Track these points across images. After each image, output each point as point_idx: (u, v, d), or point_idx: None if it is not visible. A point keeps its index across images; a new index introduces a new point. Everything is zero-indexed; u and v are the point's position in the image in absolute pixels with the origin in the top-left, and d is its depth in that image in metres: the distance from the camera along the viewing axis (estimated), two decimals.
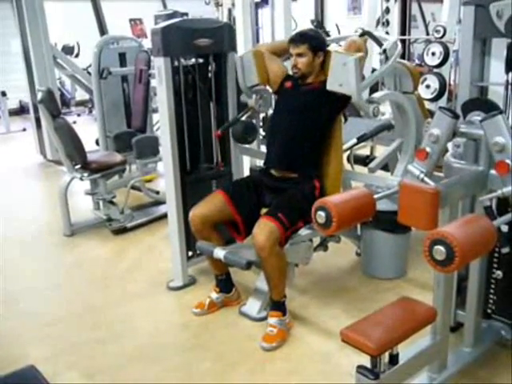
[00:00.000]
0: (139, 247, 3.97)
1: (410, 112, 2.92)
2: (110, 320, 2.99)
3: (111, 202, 4.28)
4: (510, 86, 2.50)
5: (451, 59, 5.34)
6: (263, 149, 3.55)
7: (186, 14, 6.77)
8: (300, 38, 2.79)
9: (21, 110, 9.80)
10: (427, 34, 8.19)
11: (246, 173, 3.65)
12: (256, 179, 2.99)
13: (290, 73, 2.95)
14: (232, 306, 3.02)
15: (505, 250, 2.14)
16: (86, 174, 4.13)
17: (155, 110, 4.97)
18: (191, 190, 3.21)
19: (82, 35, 8.64)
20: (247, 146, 3.43)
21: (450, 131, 2.04)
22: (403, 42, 8.23)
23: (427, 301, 2.08)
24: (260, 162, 3.82)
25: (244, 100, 3.34)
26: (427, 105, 4.39)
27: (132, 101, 5.13)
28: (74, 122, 7.52)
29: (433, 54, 4.96)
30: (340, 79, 2.58)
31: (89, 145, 4.63)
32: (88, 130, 6.08)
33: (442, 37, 5.16)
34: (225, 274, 3.00)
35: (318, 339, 2.72)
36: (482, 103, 2.33)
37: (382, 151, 3.68)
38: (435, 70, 4.94)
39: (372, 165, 3.46)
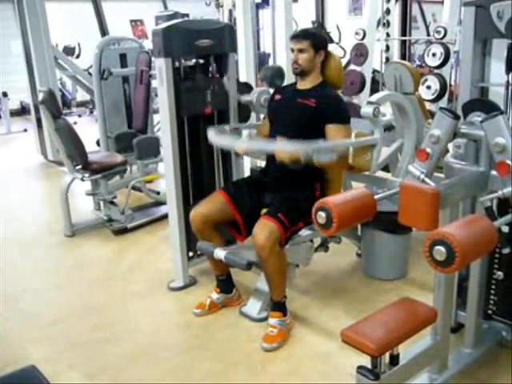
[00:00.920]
0: (140, 248, 3.97)
1: (410, 113, 2.91)
2: (110, 320, 2.99)
3: (112, 203, 4.28)
4: (510, 87, 2.50)
5: (452, 60, 5.35)
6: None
7: (187, 15, 6.78)
8: (303, 34, 2.79)
9: (22, 111, 9.81)
10: (428, 34, 8.19)
11: (247, 173, 3.65)
12: (256, 179, 3.00)
13: (290, 72, 2.95)
14: (233, 306, 3.02)
15: (505, 251, 2.14)
16: (86, 175, 4.13)
17: (156, 111, 4.98)
18: (193, 189, 3.21)
19: (82, 36, 8.66)
20: None
21: (451, 132, 2.04)
22: (404, 42, 8.23)
23: (428, 301, 2.08)
24: (260, 163, 3.82)
25: (244, 101, 3.35)
26: (428, 106, 4.39)
27: (133, 101, 5.15)
28: (75, 123, 7.53)
29: (433, 54, 4.96)
30: None
31: (90, 145, 4.63)
32: (89, 131, 6.10)
33: (442, 38, 5.15)
34: (225, 275, 3.00)
35: (318, 340, 2.72)
36: (482, 104, 2.33)
37: (382, 152, 3.68)
38: (436, 71, 4.95)
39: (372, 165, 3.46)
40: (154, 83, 4.31)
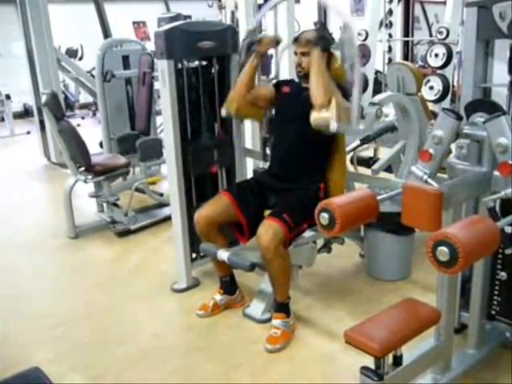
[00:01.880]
0: (143, 249, 3.97)
1: (413, 114, 2.92)
2: (114, 322, 3.00)
3: (115, 205, 4.29)
4: None
5: (454, 60, 5.33)
6: (265, 149, 3.56)
7: (189, 17, 6.79)
8: (305, 37, 2.79)
9: (25, 113, 9.82)
10: (430, 35, 8.18)
11: (250, 174, 3.66)
12: (260, 181, 3.00)
13: (292, 72, 2.95)
14: (236, 307, 3.02)
15: (509, 251, 2.14)
16: (90, 177, 4.14)
17: (159, 113, 4.98)
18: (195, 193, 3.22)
19: (85, 38, 8.66)
20: (251, 147, 3.44)
21: (454, 132, 2.04)
22: (406, 43, 8.22)
23: (431, 302, 2.08)
24: (264, 164, 3.82)
25: None
26: (430, 106, 4.39)
27: (136, 103, 5.16)
28: (78, 125, 7.53)
29: (436, 55, 4.96)
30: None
31: (93, 147, 4.64)
32: (92, 133, 6.11)
33: (445, 38, 5.14)
34: (229, 276, 3.00)
35: (321, 341, 2.72)
36: (485, 104, 2.33)
37: (385, 153, 3.69)
38: (438, 72, 4.94)
39: (375, 166, 3.47)
40: (157, 85, 4.31)
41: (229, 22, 7.99)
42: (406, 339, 1.86)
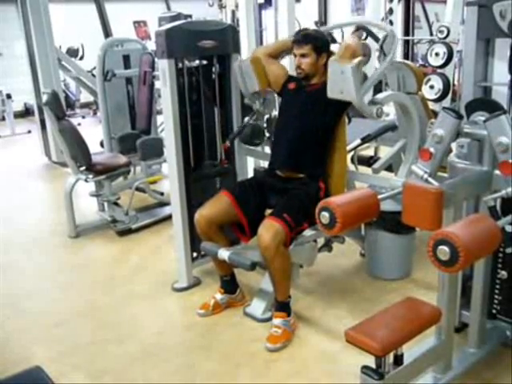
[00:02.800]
0: (144, 248, 3.98)
1: (413, 112, 2.91)
2: (114, 321, 3.00)
3: (116, 204, 4.29)
4: None
5: (455, 59, 5.32)
6: (267, 149, 3.56)
7: (190, 16, 6.79)
8: (304, 39, 2.79)
9: (26, 113, 9.84)
10: (431, 34, 8.16)
11: (251, 174, 3.66)
12: (260, 180, 3.00)
13: (292, 73, 2.96)
14: (237, 306, 3.03)
15: (509, 250, 2.15)
16: (90, 176, 4.14)
17: (159, 112, 4.98)
18: (195, 190, 3.22)
19: (86, 37, 8.66)
20: (252, 147, 3.44)
21: (454, 131, 2.04)
22: (407, 42, 8.21)
23: (432, 301, 2.08)
24: (264, 163, 3.83)
25: (248, 102, 3.36)
26: (431, 105, 4.37)
27: (136, 103, 5.16)
28: (79, 124, 7.54)
29: (436, 54, 4.94)
30: (340, 87, 2.56)
31: (93, 146, 4.65)
32: (93, 132, 6.11)
33: (445, 37, 5.13)
34: (229, 275, 3.01)
35: (322, 340, 2.73)
36: (485, 103, 2.33)
37: (385, 152, 3.68)
38: (439, 71, 4.92)
39: (376, 165, 3.47)
40: (158, 84, 4.31)
41: (229, 21, 8.00)
42: (406, 338, 1.86)
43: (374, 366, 1.84)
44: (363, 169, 3.79)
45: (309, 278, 3.27)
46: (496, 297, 2.41)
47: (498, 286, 2.39)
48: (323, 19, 10.85)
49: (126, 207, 4.27)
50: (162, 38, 2.92)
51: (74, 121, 5.79)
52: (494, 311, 2.43)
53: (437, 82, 4.70)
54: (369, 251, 3.36)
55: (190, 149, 3.19)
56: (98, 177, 4.13)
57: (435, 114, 3.38)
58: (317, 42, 2.80)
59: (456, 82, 6.03)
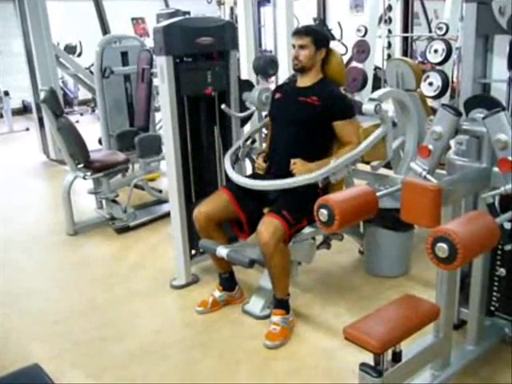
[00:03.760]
0: (142, 246, 3.97)
1: (412, 109, 2.91)
2: (113, 318, 3.00)
3: (114, 201, 4.28)
4: None
5: (454, 56, 5.33)
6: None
7: (188, 13, 6.78)
8: (305, 30, 2.80)
9: (24, 110, 9.81)
10: (430, 31, 8.15)
11: (249, 171, 3.65)
12: (259, 177, 2.99)
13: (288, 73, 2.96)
14: (235, 304, 3.02)
15: (508, 247, 2.14)
16: (88, 173, 4.13)
17: (158, 109, 4.98)
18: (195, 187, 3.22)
19: (84, 34, 8.65)
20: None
21: (453, 128, 2.04)
22: (406, 39, 8.20)
23: (430, 298, 2.08)
24: None
25: (246, 98, 3.36)
26: (430, 102, 4.38)
27: (134, 100, 5.15)
28: (77, 122, 7.53)
29: (435, 51, 4.95)
30: None
31: (92, 144, 4.63)
32: (91, 129, 6.10)
33: (444, 34, 5.14)
34: (228, 273, 3.01)
35: (321, 337, 2.73)
36: (484, 100, 2.33)
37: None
38: (438, 68, 4.93)
39: (374, 162, 3.46)
40: (156, 81, 4.30)
41: (228, 18, 7.98)
42: (405, 335, 1.86)
43: (372, 363, 1.83)
44: (362, 166, 3.78)
45: (307, 275, 3.27)
46: (494, 294, 2.41)
47: (496, 283, 2.40)
48: (322, 16, 10.83)
49: (124, 205, 4.26)
50: (160, 35, 2.91)
51: (72, 118, 5.80)
52: (492, 308, 2.43)
53: (436, 79, 4.70)
54: (367, 248, 3.36)
55: (189, 146, 3.18)
56: (97, 174, 4.12)
57: (434, 110, 3.38)
58: (317, 35, 2.80)
59: (455, 79, 6.03)
